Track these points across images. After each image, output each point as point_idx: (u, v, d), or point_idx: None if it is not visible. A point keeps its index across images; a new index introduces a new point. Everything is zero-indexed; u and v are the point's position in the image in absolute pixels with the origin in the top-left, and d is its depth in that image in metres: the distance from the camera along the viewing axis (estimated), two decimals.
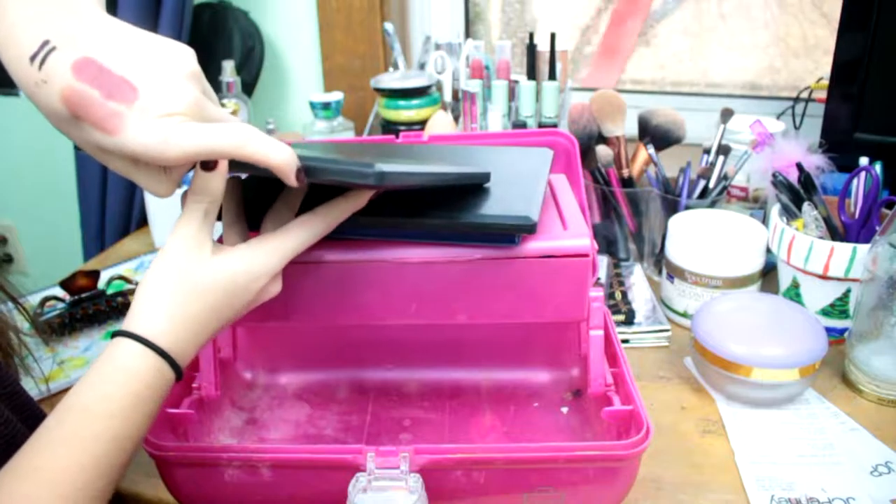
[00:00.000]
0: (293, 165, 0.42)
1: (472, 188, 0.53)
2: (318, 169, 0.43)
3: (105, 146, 0.40)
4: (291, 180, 0.42)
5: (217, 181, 0.43)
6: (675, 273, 0.79)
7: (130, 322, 0.43)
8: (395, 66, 1.09)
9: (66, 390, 0.72)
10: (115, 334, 0.43)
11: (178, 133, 0.39)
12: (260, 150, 0.41)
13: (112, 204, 1.20)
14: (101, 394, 0.40)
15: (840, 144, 0.82)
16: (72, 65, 0.38)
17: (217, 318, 0.45)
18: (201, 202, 0.43)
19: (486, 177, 0.53)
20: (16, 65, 0.39)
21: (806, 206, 0.74)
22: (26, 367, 0.54)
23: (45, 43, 0.38)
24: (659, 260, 0.89)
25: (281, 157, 0.41)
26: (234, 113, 1.09)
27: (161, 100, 0.39)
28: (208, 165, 0.42)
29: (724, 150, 0.87)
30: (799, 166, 0.75)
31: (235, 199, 0.50)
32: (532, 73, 1.00)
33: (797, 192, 0.75)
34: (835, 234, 0.74)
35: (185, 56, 0.41)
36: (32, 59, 0.38)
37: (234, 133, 0.41)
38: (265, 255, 0.46)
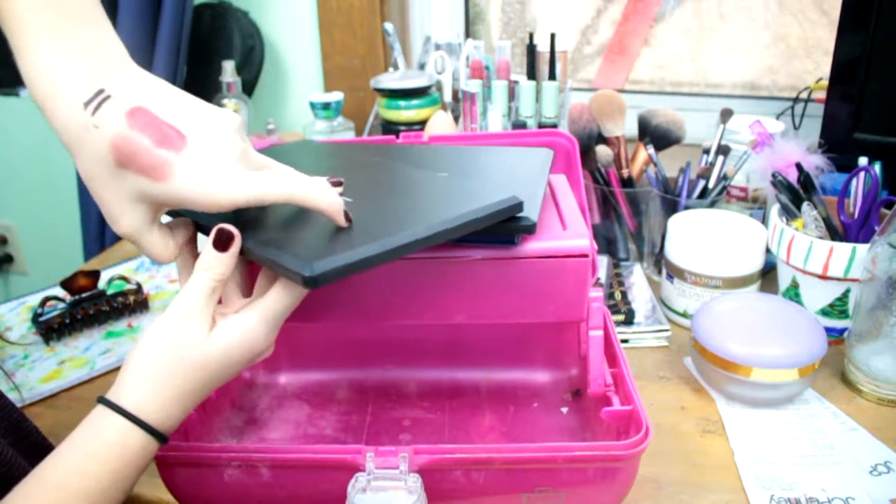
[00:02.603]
0: (340, 208, 0.43)
1: (471, 189, 0.52)
2: (252, 253, 0.43)
3: (151, 194, 0.40)
4: (341, 222, 0.43)
5: (228, 262, 0.43)
6: (675, 273, 0.79)
7: (118, 393, 0.41)
8: (395, 67, 1.09)
9: (64, 391, 0.73)
10: (100, 400, 0.41)
11: (229, 179, 0.40)
12: (310, 197, 0.42)
13: None
14: (77, 470, 0.39)
15: (839, 144, 0.82)
16: (125, 112, 0.39)
17: (207, 388, 0.44)
18: (209, 279, 0.43)
19: (494, 215, 0.47)
20: (68, 109, 0.39)
21: (805, 206, 0.74)
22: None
23: (101, 91, 0.39)
24: (659, 260, 0.89)
25: (329, 202, 0.42)
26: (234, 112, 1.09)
27: (209, 148, 0.40)
28: (221, 246, 0.43)
29: (723, 150, 0.87)
30: (798, 166, 0.75)
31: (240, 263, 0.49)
32: (532, 74, 1.00)
33: (797, 192, 0.75)
34: (834, 234, 0.74)
35: (229, 113, 0.43)
36: (87, 104, 0.39)
37: (284, 181, 0.42)
38: (259, 326, 0.44)
